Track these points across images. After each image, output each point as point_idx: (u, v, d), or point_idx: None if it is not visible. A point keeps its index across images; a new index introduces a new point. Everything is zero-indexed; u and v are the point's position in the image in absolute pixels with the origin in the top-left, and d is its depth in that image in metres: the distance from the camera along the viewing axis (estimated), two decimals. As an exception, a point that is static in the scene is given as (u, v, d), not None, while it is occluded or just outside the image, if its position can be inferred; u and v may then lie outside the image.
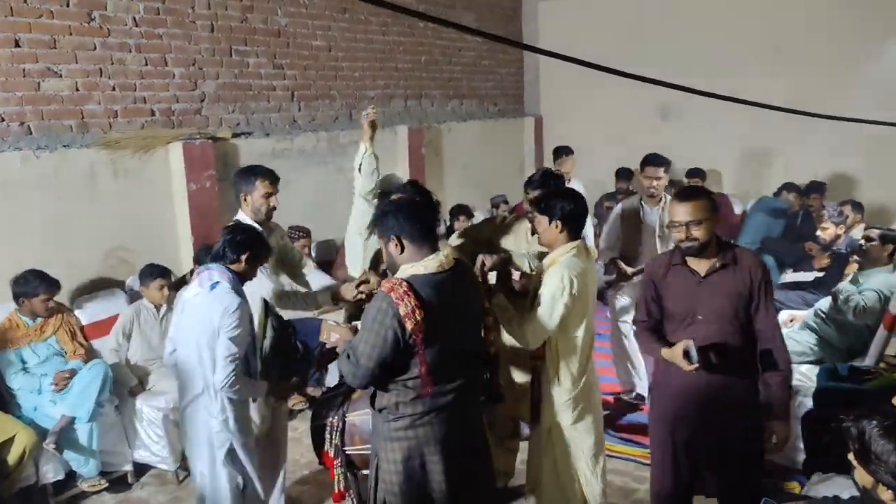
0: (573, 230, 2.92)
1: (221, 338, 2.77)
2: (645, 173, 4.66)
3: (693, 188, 2.74)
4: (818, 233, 5.87)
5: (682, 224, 2.63)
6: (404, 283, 2.23)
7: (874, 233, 4.36)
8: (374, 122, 3.66)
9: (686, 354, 2.56)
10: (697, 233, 2.62)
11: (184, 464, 4.03)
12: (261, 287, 3.15)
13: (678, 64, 7.63)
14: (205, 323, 2.78)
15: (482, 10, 8.06)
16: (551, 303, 2.82)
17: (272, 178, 3.46)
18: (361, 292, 3.18)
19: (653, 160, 4.72)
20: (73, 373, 3.85)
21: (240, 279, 2.90)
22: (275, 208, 3.49)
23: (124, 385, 4.11)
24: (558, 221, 2.88)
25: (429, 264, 2.29)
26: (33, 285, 3.81)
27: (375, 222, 2.40)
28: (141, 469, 4.14)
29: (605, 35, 8.10)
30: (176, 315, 3.02)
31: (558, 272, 2.84)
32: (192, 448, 2.99)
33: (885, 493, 1.99)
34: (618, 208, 4.81)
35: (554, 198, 2.93)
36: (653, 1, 7.93)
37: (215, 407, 2.85)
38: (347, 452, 2.81)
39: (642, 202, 4.63)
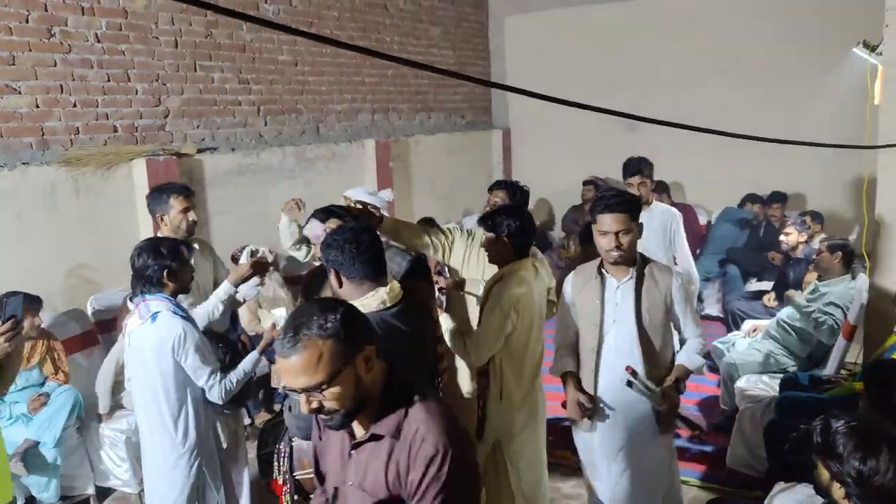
0: (520, 246, 2.95)
1: (189, 362, 2.75)
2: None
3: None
4: (781, 237, 5.99)
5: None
6: None
7: (823, 244, 4.48)
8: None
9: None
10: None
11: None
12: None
13: (643, 76, 7.78)
14: (156, 355, 2.74)
15: (449, 23, 8.11)
16: (496, 320, 2.82)
17: (186, 192, 3.47)
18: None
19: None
20: (48, 397, 3.79)
21: (174, 296, 2.85)
22: (195, 222, 3.49)
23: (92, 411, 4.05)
24: (505, 238, 2.91)
25: (368, 302, 2.15)
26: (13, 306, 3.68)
27: (322, 249, 2.33)
28: (103, 493, 4.06)
29: (570, 49, 8.22)
30: (125, 345, 2.95)
31: (504, 290, 2.86)
32: (149, 476, 2.96)
33: (837, 491, 2.04)
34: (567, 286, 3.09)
35: (501, 214, 2.97)
36: (618, 15, 8.05)
37: (176, 437, 2.81)
38: (297, 478, 2.79)
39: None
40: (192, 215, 3.47)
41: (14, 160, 4.27)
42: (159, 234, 3.42)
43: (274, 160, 5.83)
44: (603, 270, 2.80)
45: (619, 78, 7.82)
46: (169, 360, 2.74)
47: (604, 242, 2.68)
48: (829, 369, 4.02)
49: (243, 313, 4.69)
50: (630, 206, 2.68)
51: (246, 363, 2.98)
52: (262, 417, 4.74)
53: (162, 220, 3.46)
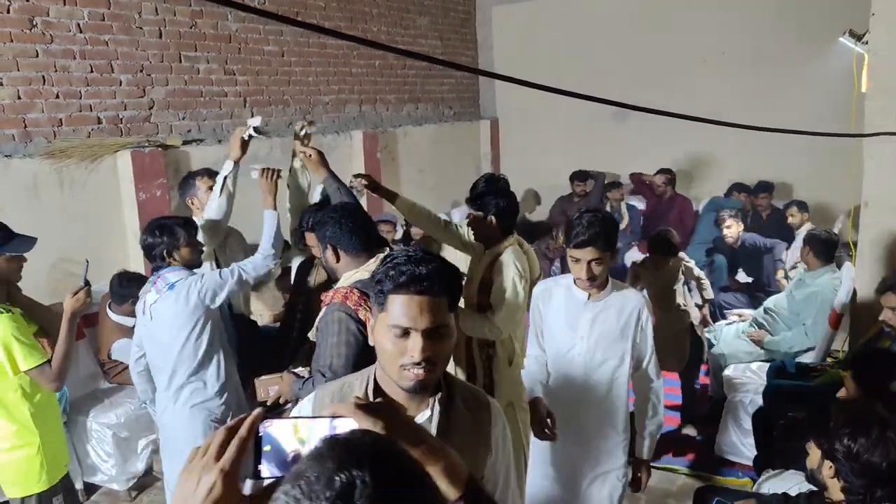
0: (507, 225, 3.10)
1: (210, 284, 2.92)
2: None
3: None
4: (724, 230, 6.03)
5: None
6: (356, 290, 2.22)
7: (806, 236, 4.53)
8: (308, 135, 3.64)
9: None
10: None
11: (136, 483, 3.96)
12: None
13: (630, 66, 7.78)
14: (179, 317, 2.87)
15: (436, 13, 8.07)
16: (513, 288, 2.94)
17: (211, 173, 3.64)
18: None
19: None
20: None
21: (188, 269, 2.99)
22: None
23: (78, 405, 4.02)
24: (492, 217, 3.04)
25: (372, 267, 2.25)
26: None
27: (314, 228, 2.39)
28: (91, 488, 4.03)
29: (557, 38, 8.20)
30: (141, 321, 3.01)
31: (508, 260, 2.99)
32: (171, 448, 3.00)
33: (827, 471, 2.07)
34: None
35: (488, 194, 3.11)
36: (605, 4, 8.04)
37: (210, 385, 2.97)
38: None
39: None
40: None
41: (-4, 152, 4.21)
42: (193, 218, 3.45)
43: (261, 152, 5.77)
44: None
45: (607, 67, 7.81)
46: (200, 312, 2.90)
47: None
48: (815, 356, 4.05)
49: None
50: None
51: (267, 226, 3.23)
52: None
53: (193, 203, 3.63)
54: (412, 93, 7.82)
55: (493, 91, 9.04)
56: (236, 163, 3.43)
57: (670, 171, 7.25)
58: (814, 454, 2.15)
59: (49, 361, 2.69)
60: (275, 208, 3.36)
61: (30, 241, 2.82)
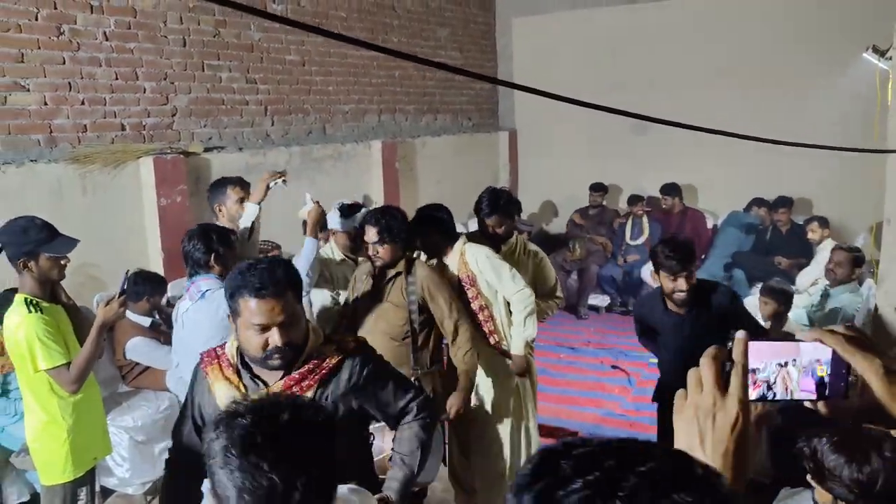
0: (445, 234, 3.44)
1: None
2: None
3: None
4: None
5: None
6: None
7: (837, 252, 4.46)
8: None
9: None
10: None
11: (151, 488, 3.97)
12: None
13: (650, 79, 7.76)
14: (211, 327, 2.84)
15: (456, 24, 8.12)
16: (508, 272, 3.30)
17: (242, 183, 3.68)
18: None
19: None
20: None
21: (222, 278, 2.96)
22: None
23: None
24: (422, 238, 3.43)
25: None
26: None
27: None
28: (106, 492, 4.06)
29: (577, 51, 8.22)
30: (175, 329, 3.06)
31: (482, 255, 3.33)
32: None
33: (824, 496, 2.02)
34: None
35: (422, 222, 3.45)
36: (625, 18, 8.04)
37: None
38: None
39: None
40: None
41: (22, 157, 4.28)
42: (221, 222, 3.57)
43: (280, 160, 5.82)
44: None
45: (626, 80, 7.81)
46: (226, 325, 2.84)
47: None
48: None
49: None
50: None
51: (306, 251, 3.31)
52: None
53: (220, 210, 3.65)
54: (431, 103, 7.85)
55: (511, 103, 9.06)
56: (258, 204, 3.54)
57: (671, 185, 7.28)
58: (823, 496, 2.10)
59: (69, 364, 2.72)
60: (317, 237, 3.41)
61: (71, 242, 2.87)
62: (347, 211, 3.71)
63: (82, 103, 4.60)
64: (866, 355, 0.94)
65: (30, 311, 2.70)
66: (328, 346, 2.03)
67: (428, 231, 3.43)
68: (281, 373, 1.95)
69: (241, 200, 3.61)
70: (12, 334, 2.72)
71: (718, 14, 7.55)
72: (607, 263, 7.44)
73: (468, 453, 3.59)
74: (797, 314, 4.56)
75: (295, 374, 1.94)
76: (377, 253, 3.14)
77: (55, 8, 4.40)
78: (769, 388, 0.91)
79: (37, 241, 2.73)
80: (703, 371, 0.87)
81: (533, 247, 3.76)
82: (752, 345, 0.89)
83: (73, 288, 4.47)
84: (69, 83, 4.52)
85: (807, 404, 0.92)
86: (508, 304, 3.40)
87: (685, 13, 7.70)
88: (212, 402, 2.00)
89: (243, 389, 1.95)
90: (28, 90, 4.33)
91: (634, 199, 7.57)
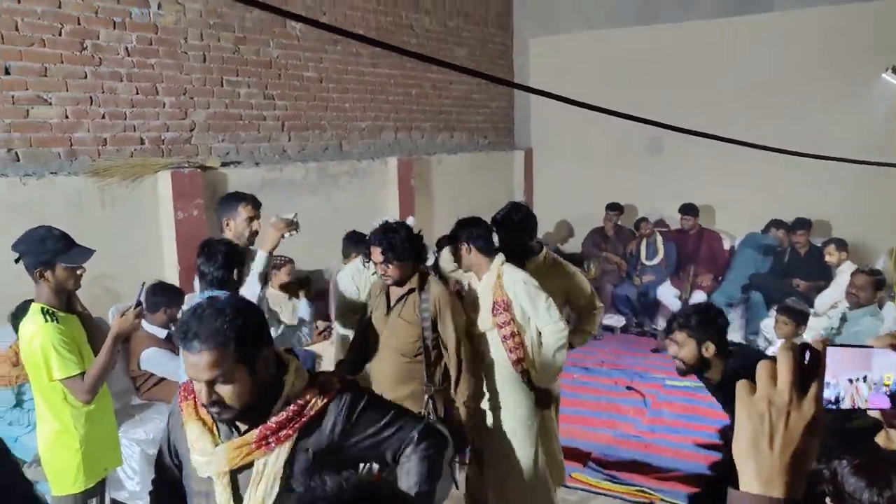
0: (486, 247, 3.31)
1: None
2: None
3: None
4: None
5: None
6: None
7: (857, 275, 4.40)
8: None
9: None
10: None
11: None
12: None
13: (667, 99, 7.74)
14: None
15: (474, 45, 8.16)
16: (544, 303, 3.20)
17: (255, 202, 3.64)
18: None
19: None
20: None
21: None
22: (257, 232, 3.62)
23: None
24: (468, 244, 3.29)
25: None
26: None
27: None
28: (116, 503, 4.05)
29: (594, 71, 8.22)
30: None
31: (519, 280, 3.22)
32: None
33: None
34: None
35: (457, 228, 3.41)
36: (642, 38, 8.05)
37: None
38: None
39: None
40: (255, 224, 3.60)
41: (42, 169, 4.33)
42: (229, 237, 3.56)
43: (297, 175, 5.86)
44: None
45: (644, 100, 7.76)
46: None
47: None
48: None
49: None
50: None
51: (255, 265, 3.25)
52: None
53: (228, 225, 3.61)
54: (447, 122, 7.88)
55: (528, 122, 9.08)
56: (270, 253, 3.38)
57: (689, 205, 7.25)
58: None
59: (83, 374, 2.73)
60: (270, 253, 3.33)
61: (87, 253, 2.88)
62: (352, 237, 3.71)
63: (103, 117, 4.65)
64: None
65: (46, 321, 2.71)
66: (311, 390, 1.81)
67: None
68: (257, 419, 1.76)
69: (251, 220, 3.57)
70: (28, 343, 2.73)
71: (736, 36, 7.54)
72: (622, 283, 7.39)
73: (488, 477, 3.53)
74: (815, 338, 4.50)
75: (271, 423, 1.74)
76: (385, 272, 3.13)
77: (79, 24, 4.47)
78: (837, 400, 0.89)
79: (54, 250, 2.75)
80: (781, 366, 0.82)
81: (563, 262, 3.70)
82: (829, 351, 0.86)
83: (89, 300, 4.49)
84: (90, 97, 4.58)
85: (873, 413, 0.91)
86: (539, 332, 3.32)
87: (703, 34, 7.70)
88: (183, 441, 1.85)
89: (216, 432, 1.79)
90: (50, 104, 4.39)
91: (639, 223, 7.55)
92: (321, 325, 5.03)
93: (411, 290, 3.18)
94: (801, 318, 4.07)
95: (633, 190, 8.13)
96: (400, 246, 3.07)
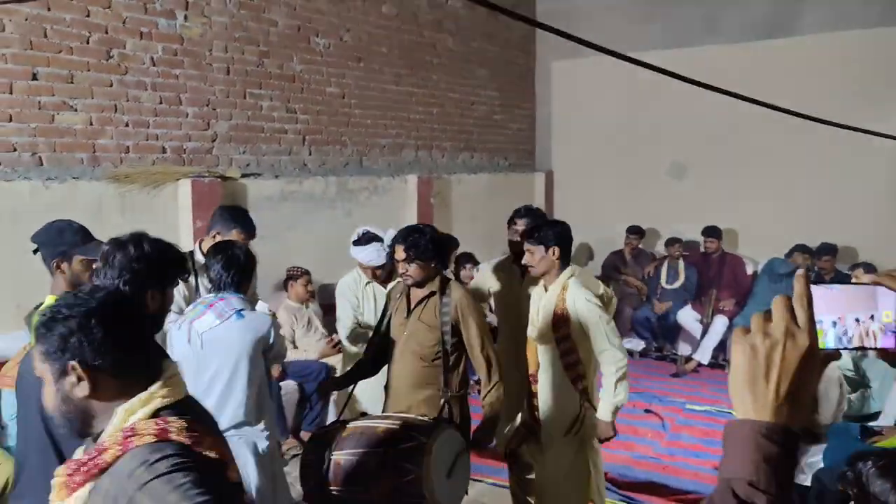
0: (566, 255, 3.21)
1: (277, 345, 3.05)
2: None
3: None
4: None
5: None
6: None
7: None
8: None
9: None
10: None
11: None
12: None
13: (689, 123, 7.71)
14: (243, 349, 2.86)
15: (497, 66, 8.19)
16: (604, 326, 3.11)
17: (249, 230, 3.68)
18: None
19: None
20: None
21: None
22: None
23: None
24: (555, 248, 3.14)
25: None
26: None
27: None
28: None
29: (618, 95, 8.20)
30: (185, 352, 2.86)
31: (581, 298, 3.13)
32: None
33: None
34: None
35: (545, 227, 3.25)
36: (665, 63, 8.00)
37: (261, 431, 2.96)
38: (333, 492, 2.71)
39: None
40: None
41: (65, 174, 4.39)
42: (204, 248, 3.54)
43: (317, 189, 5.88)
44: None
45: (665, 124, 7.77)
46: (258, 350, 2.92)
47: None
48: (883, 420, 3.81)
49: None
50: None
51: None
52: (290, 444, 4.67)
53: (214, 238, 3.60)
54: (468, 141, 7.89)
55: (548, 144, 9.07)
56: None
57: (712, 228, 7.15)
58: None
59: None
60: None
61: (101, 246, 2.90)
62: (360, 240, 3.73)
63: (126, 125, 4.71)
64: None
65: None
66: (120, 434, 1.41)
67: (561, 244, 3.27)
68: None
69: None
70: None
71: (761, 61, 7.49)
72: (642, 306, 7.29)
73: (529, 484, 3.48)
74: (842, 361, 4.38)
75: (72, 462, 1.44)
76: (406, 271, 3.09)
77: (106, 33, 4.56)
78: (845, 340, 0.88)
79: (71, 242, 2.76)
80: (775, 305, 0.84)
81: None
82: (820, 291, 0.86)
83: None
84: (115, 105, 4.64)
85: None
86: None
87: (727, 58, 7.66)
88: None
89: None
90: (75, 110, 4.45)
91: (670, 243, 7.44)
92: (336, 337, 5.00)
93: (432, 294, 3.14)
94: None
95: (654, 213, 8.05)
96: (423, 245, 3.05)
